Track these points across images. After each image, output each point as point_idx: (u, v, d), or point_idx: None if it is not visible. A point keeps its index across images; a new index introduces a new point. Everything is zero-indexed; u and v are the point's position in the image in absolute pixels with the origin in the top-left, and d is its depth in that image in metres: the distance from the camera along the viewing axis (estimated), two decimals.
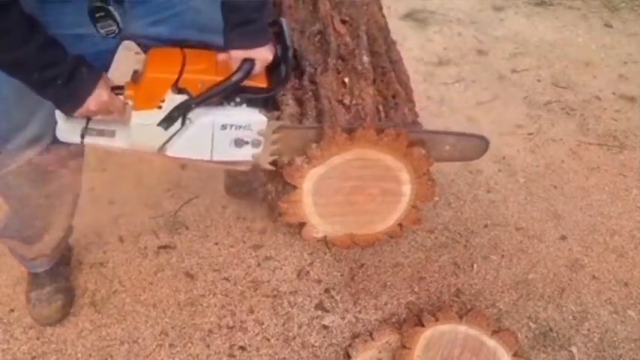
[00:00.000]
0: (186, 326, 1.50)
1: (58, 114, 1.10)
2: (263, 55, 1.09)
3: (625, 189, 2.01)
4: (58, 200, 1.32)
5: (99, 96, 1.05)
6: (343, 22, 1.69)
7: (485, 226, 1.84)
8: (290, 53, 1.16)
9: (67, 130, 1.13)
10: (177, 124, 1.13)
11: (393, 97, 1.54)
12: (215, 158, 1.21)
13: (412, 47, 2.83)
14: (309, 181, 1.48)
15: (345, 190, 1.53)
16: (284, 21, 1.19)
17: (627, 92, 2.55)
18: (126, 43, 1.19)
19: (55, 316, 1.49)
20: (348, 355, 1.42)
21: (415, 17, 3.12)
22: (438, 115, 2.35)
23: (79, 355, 1.43)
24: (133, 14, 1.10)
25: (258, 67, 1.10)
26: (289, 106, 1.47)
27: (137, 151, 1.20)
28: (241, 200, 1.87)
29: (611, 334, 1.52)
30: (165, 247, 1.71)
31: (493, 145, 2.15)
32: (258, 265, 1.67)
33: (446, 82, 2.58)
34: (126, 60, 2.25)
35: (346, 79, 1.52)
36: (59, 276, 1.53)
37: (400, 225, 1.65)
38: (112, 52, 1.18)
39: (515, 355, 1.39)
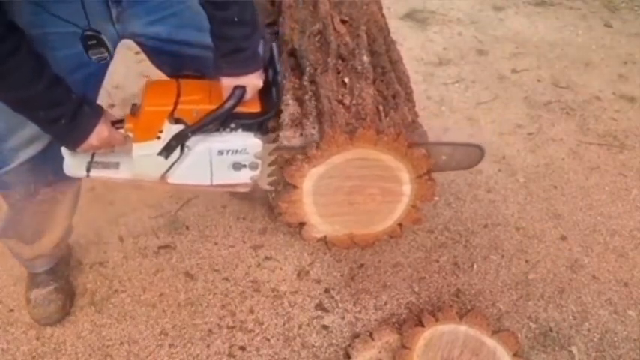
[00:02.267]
0: (186, 326, 1.50)
1: (64, 150, 1.15)
2: (253, 81, 1.12)
3: (625, 189, 2.01)
4: (58, 200, 1.32)
5: (100, 132, 1.09)
6: (343, 22, 1.69)
7: (485, 226, 1.84)
8: (280, 77, 1.20)
9: (74, 165, 1.18)
10: (177, 152, 1.18)
11: (393, 97, 1.54)
12: (215, 183, 1.26)
13: (412, 47, 2.83)
14: (309, 181, 1.48)
15: (345, 190, 1.52)
16: (274, 45, 1.23)
17: (627, 92, 2.55)
18: (126, 42, 1.19)
19: (55, 316, 1.49)
20: (348, 355, 1.42)
21: (415, 17, 3.12)
22: (438, 115, 2.35)
23: (79, 355, 1.43)
24: (131, 14, 1.10)
25: (250, 94, 1.13)
26: (289, 106, 1.47)
27: (141, 181, 1.25)
28: (241, 200, 1.87)
29: (611, 334, 1.52)
30: (165, 247, 1.71)
31: (493, 145, 2.18)
32: (258, 265, 1.67)
33: (446, 82, 2.57)
34: (126, 60, 2.26)
35: (346, 79, 1.52)
36: (59, 276, 1.53)
37: (400, 225, 1.65)
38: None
39: (515, 355, 1.39)
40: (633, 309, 1.59)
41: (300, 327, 1.51)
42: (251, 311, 1.54)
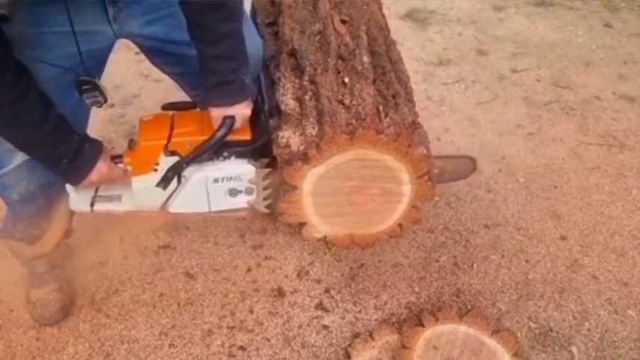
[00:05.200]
0: (186, 326, 1.50)
1: (69, 186, 1.21)
2: (242, 111, 1.17)
3: (625, 189, 2.01)
4: (57, 200, 1.32)
5: (100, 169, 1.14)
6: (343, 22, 1.69)
7: (486, 226, 1.84)
8: (266, 106, 1.26)
9: (78, 200, 1.25)
10: (174, 183, 1.23)
11: (393, 97, 1.54)
12: (213, 209, 1.31)
13: (412, 47, 2.83)
14: (309, 181, 1.48)
15: (345, 190, 1.52)
16: (261, 75, 1.29)
17: (627, 92, 2.55)
18: (125, 42, 1.19)
19: (55, 316, 1.49)
20: (348, 355, 1.42)
21: (415, 17, 3.12)
22: (438, 115, 2.35)
23: (79, 355, 1.43)
24: (128, 14, 1.10)
25: (239, 122, 1.18)
26: (289, 106, 1.47)
27: (143, 211, 1.30)
28: None
29: (611, 334, 1.52)
30: (165, 247, 1.71)
31: (493, 145, 2.18)
32: (258, 265, 1.67)
33: (446, 82, 2.57)
34: (126, 60, 2.26)
35: (346, 79, 1.52)
36: (59, 276, 1.53)
37: (400, 225, 1.64)
38: (108, 50, 1.18)
39: (515, 355, 1.39)
40: (633, 309, 1.59)
41: (300, 327, 1.51)
42: (251, 311, 1.54)
